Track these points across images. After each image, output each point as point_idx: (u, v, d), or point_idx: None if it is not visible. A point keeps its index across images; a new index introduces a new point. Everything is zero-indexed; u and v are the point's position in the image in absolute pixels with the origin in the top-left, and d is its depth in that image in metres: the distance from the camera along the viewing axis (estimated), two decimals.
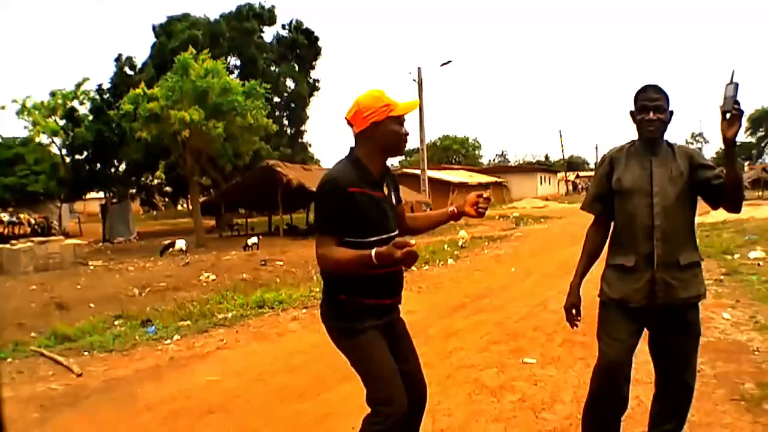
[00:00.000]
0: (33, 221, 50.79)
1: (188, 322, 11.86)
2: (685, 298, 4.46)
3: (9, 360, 9.65)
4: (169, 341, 10.48)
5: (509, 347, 8.79)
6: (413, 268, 18.44)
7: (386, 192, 4.17)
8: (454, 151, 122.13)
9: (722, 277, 13.51)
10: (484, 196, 4.41)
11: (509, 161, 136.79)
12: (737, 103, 3.90)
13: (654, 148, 4.50)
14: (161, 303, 14.70)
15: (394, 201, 4.26)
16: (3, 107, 42.89)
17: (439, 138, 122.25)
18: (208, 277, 19.26)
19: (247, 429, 6.27)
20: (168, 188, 57.33)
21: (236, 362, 8.97)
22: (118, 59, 50.86)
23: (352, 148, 4.11)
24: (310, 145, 61.87)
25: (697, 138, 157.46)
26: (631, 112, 4.58)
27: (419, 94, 45.27)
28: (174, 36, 46.36)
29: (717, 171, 4.42)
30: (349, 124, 4.10)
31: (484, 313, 11.41)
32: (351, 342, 4.09)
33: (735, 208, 4.37)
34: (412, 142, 49.29)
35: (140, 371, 8.78)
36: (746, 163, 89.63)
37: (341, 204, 3.85)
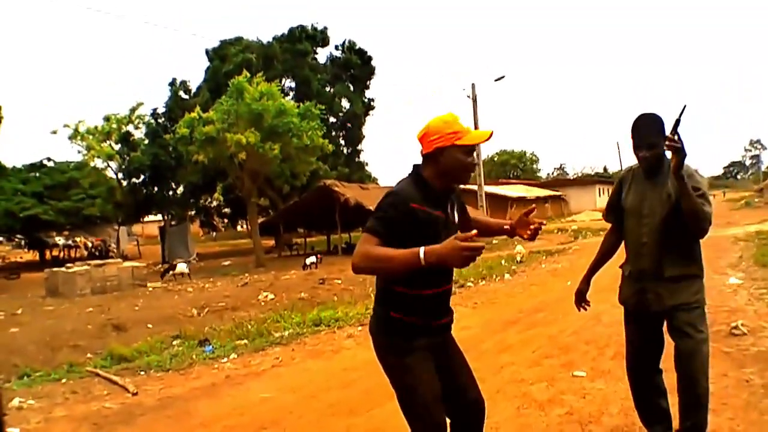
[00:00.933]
0: (90, 244, 51.50)
1: (245, 341, 11.95)
2: (673, 305, 4.92)
3: (63, 381, 9.79)
4: (225, 360, 10.58)
5: (560, 361, 8.76)
6: (469, 283, 18.45)
7: (448, 212, 4.07)
8: (512, 165, 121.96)
9: None
10: (537, 221, 4.42)
11: (567, 174, 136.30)
12: (674, 139, 4.35)
13: (651, 173, 5.02)
14: (219, 323, 14.79)
15: (456, 220, 4.16)
16: (55, 132, 43.73)
17: (497, 153, 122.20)
18: (266, 296, 19.31)
19: None
20: (227, 210, 57.74)
21: (290, 379, 9.03)
22: (172, 83, 51.54)
23: (416, 166, 4.06)
24: (366, 164, 61.67)
25: (755, 144, 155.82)
26: (631, 139, 5.00)
27: (474, 110, 45.23)
28: (227, 60, 46.89)
29: (696, 194, 4.67)
30: (420, 143, 4.05)
31: (538, 327, 11.37)
32: (397, 361, 4.03)
33: (695, 232, 4.82)
34: None
35: (196, 389, 8.87)
36: None
37: (401, 216, 3.78)
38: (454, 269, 4.11)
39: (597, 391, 7.21)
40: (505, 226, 4.61)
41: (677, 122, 4.38)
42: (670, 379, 5.18)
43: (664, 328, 5.10)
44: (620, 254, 5.41)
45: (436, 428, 3.93)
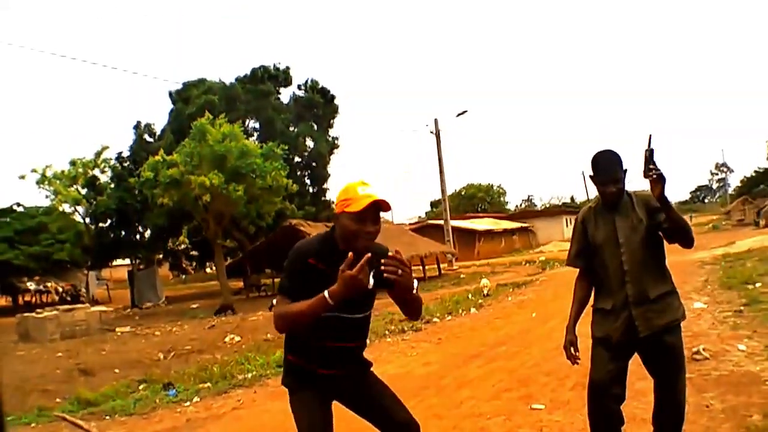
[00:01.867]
0: (60, 289, 51.13)
1: (208, 384, 11.95)
2: (664, 325, 5.03)
3: (33, 425, 9.91)
4: (188, 403, 10.59)
5: (519, 394, 8.76)
6: (435, 319, 18.46)
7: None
8: (479, 199, 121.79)
9: (742, 308, 13.37)
10: (394, 256, 3.77)
11: (536, 205, 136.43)
12: (653, 168, 4.55)
13: (615, 206, 5.14)
14: (185, 366, 14.83)
15: (370, 285, 3.95)
16: (23, 177, 43.41)
17: (464, 187, 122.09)
18: (232, 338, 19.34)
19: None
20: (194, 252, 57.54)
21: (249, 421, 9.03)
22: (137, 126, 51.41)
23: (332, 229, 4.12)
24: (333, 203, 61.54)
25: (721, 168, 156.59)
26: (591, 177, 5.21)
27: (437, 145, 45.62)
28: (191, 102, 46.81)
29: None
30: None
31: (499, 360, 11.37)
32: (290, 399, 4.29)
33: (685, 245, 5.03)
34: (435, 193, 49.45)
35: None
36: None
37: (299, 271, 3.97)
38: (367, 330, 4.41)
39: (554, 423, 7.22)
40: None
41: (651, 152, 4.59)
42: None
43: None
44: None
45: None
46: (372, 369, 4.56)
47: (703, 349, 9.66)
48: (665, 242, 5.21)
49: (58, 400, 11.81)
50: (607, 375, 5.14)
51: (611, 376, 5.15)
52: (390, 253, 3.77)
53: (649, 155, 4.59)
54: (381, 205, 3.93)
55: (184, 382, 12.26)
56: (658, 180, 4.57)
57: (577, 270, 5.56)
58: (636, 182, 5.31)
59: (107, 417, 10.12)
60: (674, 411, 5.23)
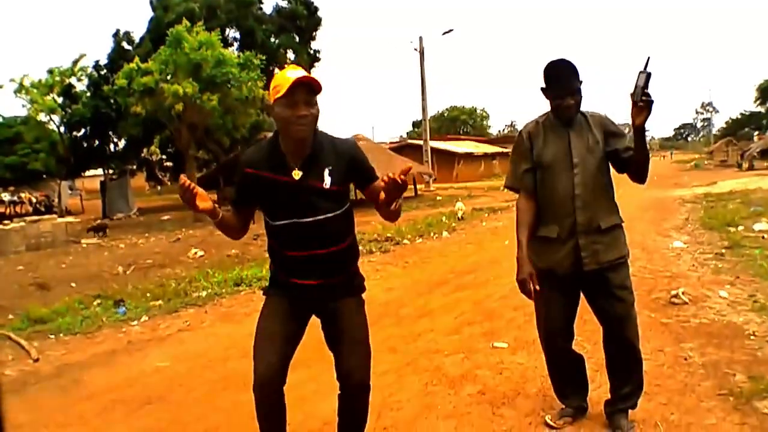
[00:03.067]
0: (34, 200, 50.82)
1: (160, 301, 11.56)
2: (610, 260, 4.62)
3: None
4: (135, 323, 10.21)
5: (482, 329, 8.26)
6: (405, 241, 18.10)
7: (298, 176, 3.88)
8: (462, 121, 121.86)
9: (723, 251, 12.83)
10: (391, 176, 3.66)
11: (518, 131, 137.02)
12: (646, 93, 4.07)
13: (569, 122, 4.62)
14: (143, 281, 14.44)
15: (326, 184, 3.90)
16: (1, 86, 42.49)
17: (447, 109, 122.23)
18: (195, 253, 19.00)
19: (179, 422, 5.86)
20: (169, 163, 57.11)
21: (192, 346, 8.62)
22: (116, 34, 50.21)
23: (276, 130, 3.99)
24: None
25: (707, 107, 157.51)
26: (543, 90, 4.65)
27: (421, 64, 45.18)
28: (171, 9, 45.76)
29: (627, 141, 4.59)
30: None
31: (466, 290, 10.96)
32: (263, 306, 4.25)
33: (640, 180, 4.62)
34: (418, 114, 49.21)
35: (95, 356, 8.48)
36: (756, 133, 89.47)
37: (241, 181, 3.98)
38: (343, 236, 4.10)
39: (516, 366, 6.71)
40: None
41: (648, 76, 4.10)
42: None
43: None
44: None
45: (259, 373, 3.98)
46: (363, 296, 4.32)
47: (683, 293, 9.10)
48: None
49: (10, 316, 11.35)
50: (562, 319, 4.86)
51: (565, 322, 4.88)
52: (400, 174, 3.63)
53: (645, 79, 4.08)
54: (311, 84, 3.75)
55: (136, 299, 11.83)
56: (645, 107, 4.10)
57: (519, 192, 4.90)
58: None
59: (52, 336, 9.72)
60: (628, 357, 4.84)
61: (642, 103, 4.09)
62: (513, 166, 4.93)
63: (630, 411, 5.00)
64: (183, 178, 3.69)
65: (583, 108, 4.66)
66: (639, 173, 4.57)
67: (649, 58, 4.16)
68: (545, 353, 5.10)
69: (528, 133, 4.81)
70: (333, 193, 3.95)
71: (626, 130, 4.60)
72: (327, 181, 3.90)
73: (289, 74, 3.75)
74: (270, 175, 3.86)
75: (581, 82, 4.52)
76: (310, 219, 3.89)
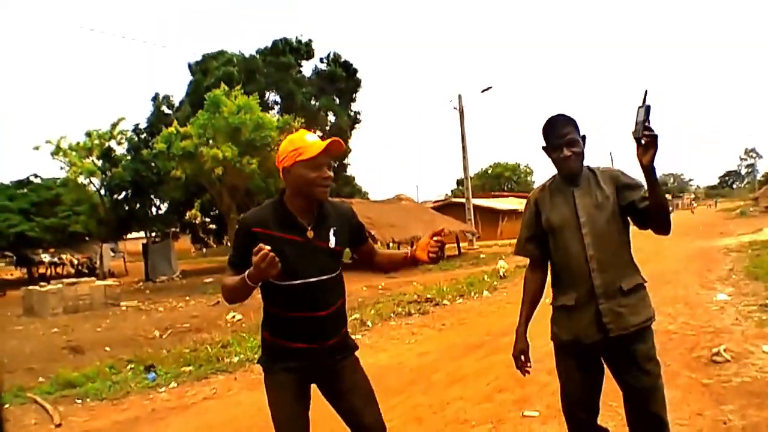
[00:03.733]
0: (76, 261, 51.13)
1: (191, 367, 11.42)
2: (637, 324, 4.22)
3: (6, 405, 9.31)
4: (163, 389, 10.10)
5: (514, 396, 7.97)
6: (446, 301, 17.90)
7: (311, 236, 4.02)
8: (506, 178, 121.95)
9: None
10: (436, 239, 4.03)
11: None
12: (648, 128, 3.75)
13: (575, 180, 4.38)
14: (179, 345, 14.30)
15: (332, 244, 4.09)
16: (38, 148, 42.90)
17: (491, 166, 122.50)
18: (233, 317, 18.75)
19: None
20: (212, 225, 57.42)
21: (215, 415, 8.44)
22: (155, 98, 51.34)
23: (283, 190, 4.08)
24: (354, 178, 61.51)
25: (750, 154, 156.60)
26: (544, 149, 4.43)
27: (461, 122, 45.22)
28: (210, 73, 46.51)
29: (643, 192, 4.18)
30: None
31: (501, 353, 10.52)
32: (265, 380, 4.18)
33: (663, 229, 4.17)
34: (459, 172, 49.30)
35: (118, 423, 8.38)
36: None
37: (246, 242, 3.80)
38: (339, 296, 4.21)
39: None
40: (407, 254, 4.32)
41: (648, 108, 3.77)
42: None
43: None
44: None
45: None
46: (356, 354, 4.39)
47: (725, 350, 8.78)
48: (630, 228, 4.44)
49: (41, 379, 11.33)
50: (583, 393, 4.46)
51: (587, 394, 4.46)
52: (438, 239, 4.00)
53: (645, 113, 3.76)
54: (339, 150, 3.96)
55: (168, 365, 11.71)
56: (651, 143, 3.76)
57: (528, 261, 4.79)
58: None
59: (79, 401, 9.62)
60: (655, 425, 4.36)
61: (646, 139, 3.77)
62: (519, 234, 4.79)
63: None
64: (263, 247, 3.49)
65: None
66: (659, 221, 4.16)
67: (646, 91, 3.83)
68: (568, 427, 4.68)
69: (534, 199, 4.61)
70: (336, 253, 4.11)
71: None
72: (332, 241, 4.07)
73: (309, 138, 3.96)
74: (283, 234, 3.92)
75: (583, 136, 4.32)
76: (317, 279, 3.98)
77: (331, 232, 4.11)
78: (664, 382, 4.36)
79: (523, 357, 4.68)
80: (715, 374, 7.95)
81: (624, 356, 4.29)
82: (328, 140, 3.93)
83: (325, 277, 4.03)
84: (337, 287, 4.20)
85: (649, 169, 3.83)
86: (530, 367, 4.73)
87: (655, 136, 3.75)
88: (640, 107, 3.77)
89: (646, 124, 3.74)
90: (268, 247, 3.51)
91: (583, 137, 4.31)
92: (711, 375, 7.94)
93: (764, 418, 6.29)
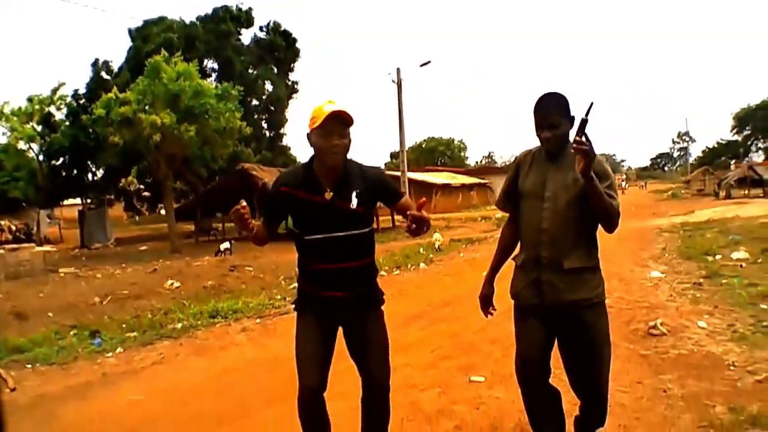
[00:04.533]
0: (14, 228, 50.44)
1: (135, 333, 11.50)
2: (572, 301, 4.52)
3: None
4: (110, 354, 10.13)
5: (459, 363, 8.22)
6: (383, 272, 18.05)
7: (331, 197, 4.39)
8: (440, 152, 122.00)
9: (701, 281, 12.98)
10: (415, 214, 4.28)
11: (496, 162, 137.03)
12: (582, 141, 4.03)
13: (554, 156, 4.64)
14: (119, 312, 14.34)
15: (353, 205, 4.43)
16: None
17: (425, 140, 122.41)
18: (172, 284, 18.86)
19: None
20: (147, 193, 57.01)
21: (166, 380, 8.55)
22: (95, 64, 50.61)
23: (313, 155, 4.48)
24: (290, 148, 61.34)
25: (684, 137, 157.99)
26: (534, 120, 4.67)
27: (399, 95, 45.02)
28: (150, 40, 46.20)
29: (607, 184, 4.44)
30: None
31: (443, 323, 10.92)
32: (297, 318, 4.67)
33: (606, 229, 4.59)
34: (395, 145, 49.39)
35: (70, 388, 8.42)
36: (732, 162, 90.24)
37: (275, 198, 4.51)
38: (364, 251, 4.62)
39: (493, 401, 6.70)
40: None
41: (584, 122, 4.08)
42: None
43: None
44: None
45: (306, 386, 4.47)
46: (382, 307, 4.82)
47: (661, 324, 9.17)
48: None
49: None
50: (536, 348, 4.72)
51: (540, 349, 4.73)
52: (417, 212, 4.24)
53: (582, 125, 4.08)
54: (343, 117, 4.28)
55: (112, 331, 11.78)
56: (584, 154, 4.07)
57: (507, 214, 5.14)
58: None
59: (29, 365, 9.68)
60: (595, 398, 4.83)
61: (577, 150, 4.09)
62: (501, 190, 5.12)
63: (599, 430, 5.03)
64: (243, 203, 4.21)
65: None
66: (600, 221, 4.57)
67: (592, 103, 4.14)
68: (520, 385, 4.93)
69: (518, 161, 4.95)
70: (358, 213, 4.46)
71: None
72: (354, 202, 4.41)
73: (325, 108, 4.26)
74: (304, 194, 4.37)
75: (570, 117, 4.53)
76: (337, 234, 4.39)
77: (354, 194, 4.43)
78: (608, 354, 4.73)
79: (486, 301, 5.10)
80: (653, 346, 8.32)
81: (569, 324, 4.64)
82: (332, 110, 4.23)
83: (344, 233, 4.40)
84: (362, 244, 4.57)
85: (584, 176, 4.18)
86: (494, 311, 5.13)
87: (587, 150, 4.05)
88: (582, 118, 4.09)
89: (577, 138, 4.05)
90: (244, 203, 4.20)
91: (572, 118, 4.52)
92: (649, 347, 8.30)
93: (703, 388, 6.62)
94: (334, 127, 4.28)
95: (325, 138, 4.27)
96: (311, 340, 4.53)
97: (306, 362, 4.49)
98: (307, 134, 4.40)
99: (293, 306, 4.78)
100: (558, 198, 4.53)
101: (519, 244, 4.95)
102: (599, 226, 4.65)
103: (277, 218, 4.60)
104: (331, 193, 4.40)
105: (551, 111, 4.53)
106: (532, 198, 4.67)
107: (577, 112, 4.20)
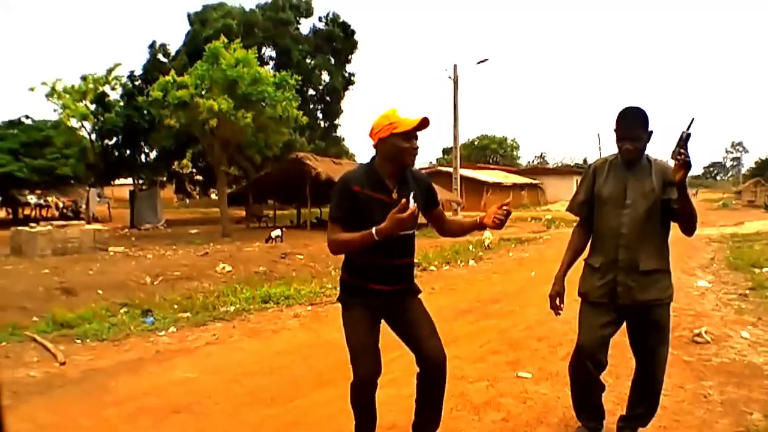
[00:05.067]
0: (61, 204, 50.86)
1: (188, 314, 11.63)
2: (644, 300, 4.95)
3: (2, 343, 9.45)
4: (163, 333, 10.25)
5: (507, 358, 8.32)
6: (432, 267, 18.12)
7: (394, 197, 4.57)
8: (492, 150, 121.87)
9: (747, 292, 12.96)
10: (504, 208, 4.75)
11: (547, 163, 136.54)
12: (682, 153, 4.42)
13: (632, 165, 5.03)
14: (170, 292, 14.42)
15: (412, 204, 4.47)
16: (33, 89, 42.42)
17: (478, 137, 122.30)
18: (223, 268, 18.88)
19: None
20: (199, 177, 57.31)
21: (220, 359, 8.66)
22: (152, 46, 51.04)
23: (373, 156, 4.74)
24: (343, 139, 61.60)
25: (737, 147, 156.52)
26: (615, 131, 5.02)
27: (454, 92, 45.03)
28: (208, 24, 46.54)
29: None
30: (370, 138, 4.73)
31: (491, 319, 10.99)
32: (343, 315, 4.84)
33: (686, 232, 4.97)
34: (448, 141, 49.34)
35: (122, 363, 8.53)
36: None
37: (345, 199, 4.56)
38: (413, 250, 4.92)
39: (539, 396, 6.80)
40: (476, 220, 5.02)
41: (688, 136, 4.46)
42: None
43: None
44: None
45: (363, 374, 4.67)
46: (419, 297, 5.06)
47: (705, 332, 9.24)
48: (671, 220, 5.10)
49: (35, 318, 11.36)
50: (595, 339, 5.10)
51: (599, 342, 5.10)
52: (505, 207, 4.72)
53: (685, 139, 4.45)
54: (425, 124, 4.58)
55: (164, 310, 11.90)
56: (683, 165, 4.48)
57: (578, 218, 5.50)
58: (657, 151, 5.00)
59: (78, 341, 9.75)
60: (650, 385, 5.26)
61: (677, 163, 4.48)
62: (575, 195, 5.47)
63: (640, 429, 5.42)
64: (409, 202, 4.37)
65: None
66: (684, 225, 4.92)
67: (693, 119, 4.54)
68: (572, 374, 5.37)
69: (594, 168, 5.30)
70: (417, 214, 4.52)
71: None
72: (411, 203, 4.43)
73: (401, 114, 4.58)
74: (375, 194, 4.56)
75: (650, 132, 4.93)
76: (405, 233, 4.58)
77: (412, 195, 4.60)
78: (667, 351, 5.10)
79: (558, 298, 5.33)
80: (696, 353, 8.37)
81: (639, 320, 5.07)
82: (421, 117, 4.53)
83: (404, 233, 4.56)
84: (412, 243, 4.86)
85: (679, 185, 4.62)
86: (562, 308, 5.36)
87: (687, 161, 4.45)
88: (684, 132, 4.46)
89: (682, 150, 4.42)
90: (414, 205, 4.34)
91: (650, 133, 4.94)
92: (692, 353, 8.36)
93: (742, 395, 6.70)
94: (414, 132, 4.58)
95: (408, 141, 4.54)
96: (364, 331, 4.72)
97: (361, 352, 4.67)
98: (380, 138, 4.59)
99: (339, 300, 4.95)
100: (637, 205, 4.93)
101: (590, 246, 5.32)
102: (671, 232, 5.07)
103: (353, 217, 4.57)
104: (396, 194, 4.61)
105: (635, 124, 4.88)
106: (610, 204, 5.04)
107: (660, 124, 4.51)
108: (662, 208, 4.97)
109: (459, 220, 5.89)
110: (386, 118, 4.59)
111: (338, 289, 5.03)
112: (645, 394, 5.31)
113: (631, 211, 4.94)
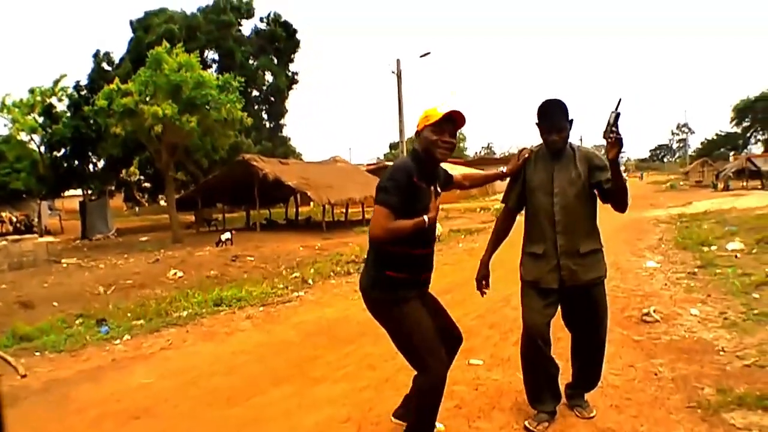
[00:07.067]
0: (14, 219, 50.49)
1: (142, 321, 11.73)
2: (588, 280, 5.35)
3: None
4: (118, 341, 10.32)
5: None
6: None
7: (433, 186, 4.80)
8: None
9: (696, 270, 13.16)
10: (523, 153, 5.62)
11: (495, 153, 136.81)
12: (613, 132, 4.76)
13: (557, 155, 5.37)
14: (124, 301, 14.60)
15: (440, 189, 5.04)
16: None
17: None
18: (175, 274, 19.08)
19: None
20: (147, 184, 57.08)
21: (176, 363, 8.76)
22: (96, 55, 50.80)
23: (414, 149, 4.92)
24: (289, 139, 61.66)
25: (683, 129, 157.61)
26: (537, 125, 5.35)
27: (398, 86, 45.04)
28: (151, 30, 46.45)
29: (608, 174, 5.18)
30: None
31: None
32: (397, 311, 4.82)
33: (619, 208, 5.30)
34: (395, 135, 49.47)
35: (82, 372, 8.63)
36: (731, 154, 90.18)
37: (406, 188, 4.61)
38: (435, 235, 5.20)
39: (491, 382, 6.97)
40: (500, 171, 5.77)
41: (617, 116, 4.77)
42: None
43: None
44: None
45: (442, 357, 4.88)
46: None
47: (654, 311, 9.45)
48: (598, 201, 5.45)
49: None
50: (541, 319, 5.37)
51: (545, 321, 5.39)
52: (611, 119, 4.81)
53: (615, 118, 4.76)
54: (456, 118, 4.77)
55: (119, 319, 12.03)
56: (615, 143, 4.79)
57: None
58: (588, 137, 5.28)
59: (37, 353, 9.89)
60: (597, 356, 5.71)
61: (610, 140, 4.77)
62: (507, 185, 5.76)
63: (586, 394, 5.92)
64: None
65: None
66: (617, 202, 5.23)
67: (620, 99, 4.78)
68: (524, 357, 5.62)
69: (523, 160, 5.58)
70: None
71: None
72: (438, 190, 4.92)
73: (439, 108, 4.72)
74: (423, 184, 4.70)
75: (571, 121, 5.26)
76: (434, 220, 4.79)
77: (437, 183, 4.96)
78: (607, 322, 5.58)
79: (483, 281, 5.70)
80: (646, 332, 8.58)
81: (579, 299, 5.46)
82: (451, 109, 4.70)
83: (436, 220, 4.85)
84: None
85: (613, 162, 4.97)
86: (487, 290, 5.74)
87: (619, 139, 4.77)
88: (612, 112, 4.78)
89: (613, 128, 4.75)
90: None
91: (571, 121, 5.27)
92: (642, 333, 8.57)
93: (692, 371, 6.88)
94: (448, 126, 4.74)
95: (438, 134, 4.69)
96: (429, 324, 4.86)
97: (433, 338, 4.83)
98: (418, 131, 4.83)
99: (390, 300, 4.84)
100: (566, 192, 5.26)
101: (527, 236, 5.59)
102: (599, 212, 5.45)
103: (402, 208, 4.60)
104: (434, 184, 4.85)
105: (558, 117, 5.21)
106: (541, 193, 5.36)
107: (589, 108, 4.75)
108: (591, 192, 5.32)
109: (482, 174, 6.37)
110: (425, 112, 4.81)
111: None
112: (591, 363, 5.72)
113: (561, 198, 5.25)
